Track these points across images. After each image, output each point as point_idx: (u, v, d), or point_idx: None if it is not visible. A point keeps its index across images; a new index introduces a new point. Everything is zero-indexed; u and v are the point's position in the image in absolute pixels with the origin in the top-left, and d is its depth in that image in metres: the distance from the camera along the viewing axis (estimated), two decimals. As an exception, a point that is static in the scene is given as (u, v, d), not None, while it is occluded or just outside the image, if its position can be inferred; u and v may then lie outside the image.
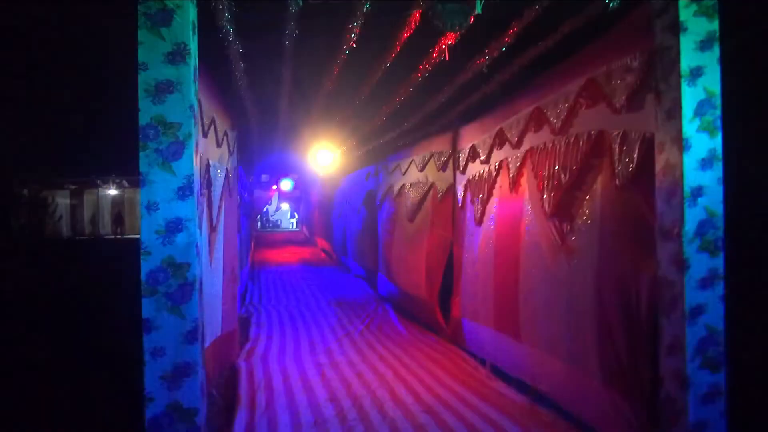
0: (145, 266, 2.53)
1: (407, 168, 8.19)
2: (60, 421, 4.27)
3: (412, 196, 7.87)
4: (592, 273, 3.77)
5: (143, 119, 2.56)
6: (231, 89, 4.89)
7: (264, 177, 16.07)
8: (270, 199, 23.94)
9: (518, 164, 4.85)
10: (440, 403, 4.68)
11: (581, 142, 3.93)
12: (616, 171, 3.54)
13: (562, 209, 4.09)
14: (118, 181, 23.32)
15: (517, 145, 4.90)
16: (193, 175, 2.57)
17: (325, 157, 9.71)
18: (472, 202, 5.90)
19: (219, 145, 4.90)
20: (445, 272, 6.74)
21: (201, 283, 2.68)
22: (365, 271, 11.37)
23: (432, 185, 7.17)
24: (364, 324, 7.74)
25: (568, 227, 4.04)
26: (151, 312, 2.52)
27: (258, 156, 10.61)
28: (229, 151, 5.69)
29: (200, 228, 2.72)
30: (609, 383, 3.59)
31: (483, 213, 5.58)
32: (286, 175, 15.29)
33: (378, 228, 9.89)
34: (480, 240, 5.69)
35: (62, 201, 23.85)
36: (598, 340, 3.68)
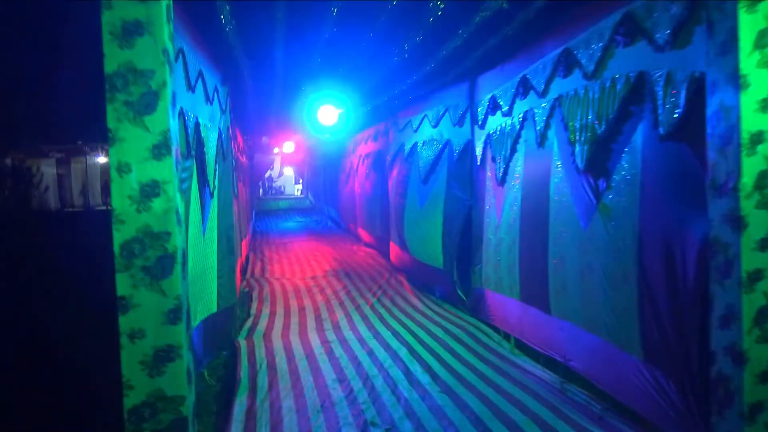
0: (119, 237, 2.36)
1: (419, 124, 7.96)
2: (34, 410, 4.21)
3: (426, 155, 7.66)
4: (632, 235, 3.58)
5: (109, 66, 2.36)
6: (220, 39, 4.68)
7: (264, 139, 15.84)
8: (272, 163, 23.78)
9: (545, 115, 4.61)
10: (460, 383, 4.58)
11: (618, 87, 3.69)
12: (660, 118, 3.31)
13: (597, 164, 3.88)
14: (107, 147, 23.11)
15: (544, 93, 4.66)
16: (169, 130, 2.39)
17: (329, 115, 9.47)
18: (493, 159, 5.69)
19: (209, 102, 4.72)
20: (464, 239, 6.59)
21: (185, 255, 2.53)
22: (376, 240, 11.25)
23: (447, 142, 6.95)
24: (375, 296, 7.65)
25: (605, 184, 3.83)
26: (127, 289, 2.37)
27: (257, 116, 10.39)
28: (221, 109, 5.50)
29: (181, 192, 2.55)
30: (651, 360, 3.44)
31: (505, 171, 5.37)
32: (288, 137, 15.05)
33: (389, 192, 9.72)
34: (502, 202, 5.49)
35: (48, 170, 23.85)
36: (638, 312, 3.52)
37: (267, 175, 27.29)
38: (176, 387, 2.41)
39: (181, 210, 2.49)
